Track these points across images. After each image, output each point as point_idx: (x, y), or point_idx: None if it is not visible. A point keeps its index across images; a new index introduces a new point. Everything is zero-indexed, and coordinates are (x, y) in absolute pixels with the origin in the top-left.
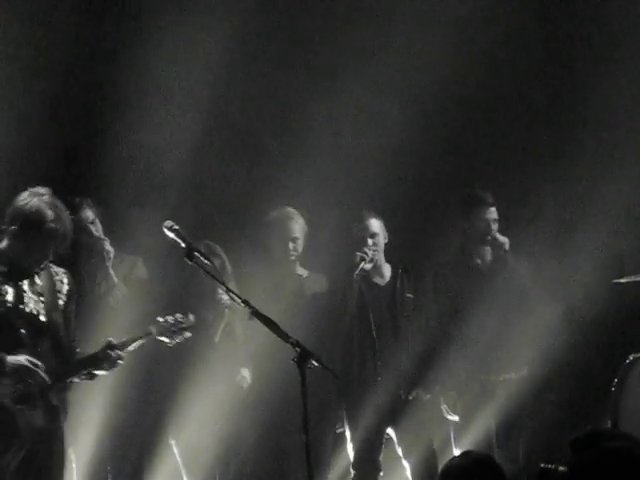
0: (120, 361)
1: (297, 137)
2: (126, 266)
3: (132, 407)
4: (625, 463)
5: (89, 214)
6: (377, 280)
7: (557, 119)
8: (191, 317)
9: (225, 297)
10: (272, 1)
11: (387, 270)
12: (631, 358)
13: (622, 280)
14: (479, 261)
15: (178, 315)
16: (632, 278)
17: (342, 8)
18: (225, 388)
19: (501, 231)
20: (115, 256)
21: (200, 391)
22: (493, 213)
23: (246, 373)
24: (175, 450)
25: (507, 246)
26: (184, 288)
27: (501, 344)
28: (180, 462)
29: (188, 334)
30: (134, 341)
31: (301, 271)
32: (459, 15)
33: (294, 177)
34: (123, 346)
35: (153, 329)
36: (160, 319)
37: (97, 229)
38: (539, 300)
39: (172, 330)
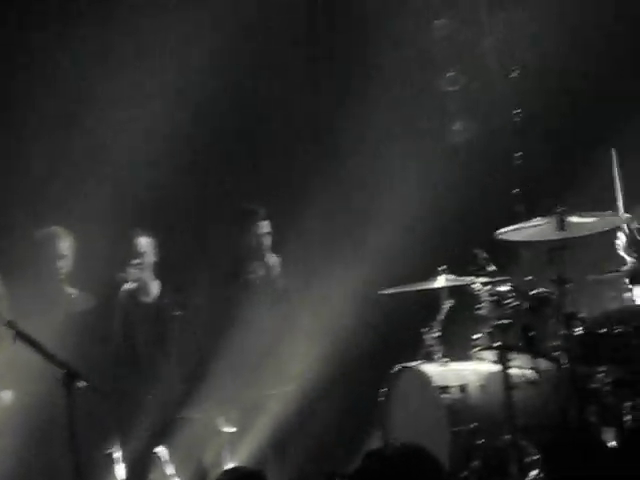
0: None
1: (62, 154)
2: None
3: None
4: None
5: None
6: (144, 299)
7: (321, 135)
8: None
9: None
10: None
11: (155, 288)
12: (398, 368)
13: (387, 291)
14: (252, 276)
15: None
16: (398, 289)
17: None
18: None
19: (273, 245)
20: None
21: None
22: (265, 227)
23: (6, 395)
24: None
25: (277, 268)
26: None
27: (272, 358)
28: None
29: None
30: None
31: (70, 290)
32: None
33: (61, 195)
34: None
35: None
36: None
37: None
38: (308, 314)
39: None
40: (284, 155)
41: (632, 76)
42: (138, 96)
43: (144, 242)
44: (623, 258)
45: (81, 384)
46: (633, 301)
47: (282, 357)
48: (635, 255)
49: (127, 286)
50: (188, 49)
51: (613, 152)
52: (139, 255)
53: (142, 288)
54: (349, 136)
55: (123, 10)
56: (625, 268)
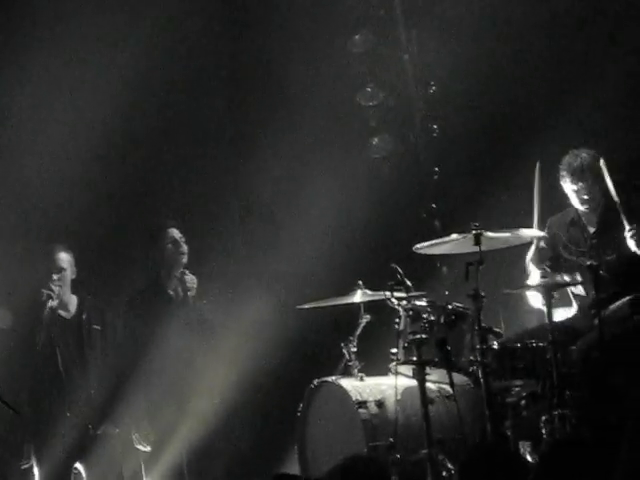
0: None
1: None
2: None
3: None
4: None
5: None
6: (63, 314)
7: (239, 150)
8: None
9: None
10: None
11: (73, 303)
12: (315, 383)
13: (304, 306)
14: (171, 292)
15: None
16: (315, 304)
17: None
18: None
19: (190, 262)
20: None
21: None
22: (182, 244)
23: None
24: None
25: (194, 290)
26: None
27: (192, 373)
28: None
29: None
30: None
31: None
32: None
33: None
34: None
35: None
36: None
37: None
38: (228, 327)
39: None
40: (201, 171)
41: (546, 93)
42: (53, 113)
43: (64, 257)
44: (527, 268)
45: None
46: (550, 315)
47: (199, 373)
48: (546, 267)
49: (51, 303)
50: (102, 67)
51: (537, 165)
52: (59, 270)
53: (62, 304)
54: (267, 151)
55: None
56: (540, 283)
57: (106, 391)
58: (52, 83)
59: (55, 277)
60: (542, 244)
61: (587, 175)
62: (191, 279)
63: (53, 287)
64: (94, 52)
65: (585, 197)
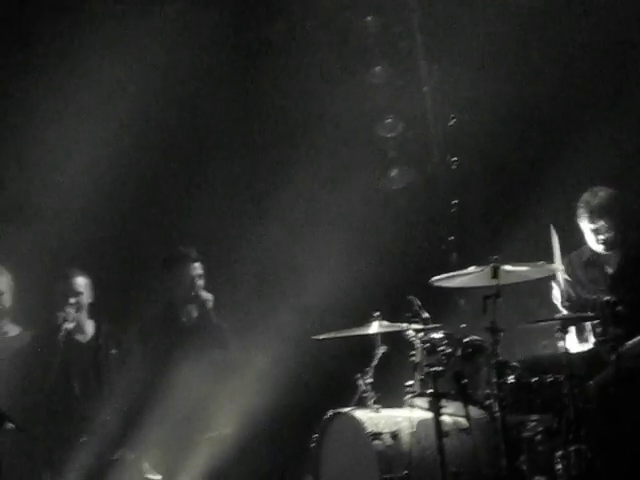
0: None
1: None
2: None
3: None
4: None
5: None
6: (79, 338)
7: (256, 184)
8: None
9: None
10: None
11: (90, 327)
12: (330, 414)
13: (320, 337)
14: (185, 319)
15: None
16: (332, 334)
17: None
18: None
19: (206, 287)
20: None
21: None
22: (197, 269)
23: None
24: None
25: (211, 303)
26: None
27: (206, 402)
28: None
29: None
30: None
31: (8, 327)
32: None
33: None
34: None
35: None
36: None
37: None
38: (243, 357)
39: None
40: (218, 198)
41: (564, 128)
42: (72, 136)
43: (81, 281)
44: (556, 306)
45: (8, 426)
46: (565, 349)
47: (213, 404)
48: (566, 306)
49: (67, 325)
50: (114, 92)
51: (552, 228)
52: (76, 294)
53: (78, 328)
54: (285, 181)
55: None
56: (557, 317)
57: (122, 417)
58: (72, 107)
59: (72, 301)
60: (564, 286)
61: (605, 213)
62: (206, 294)
63: (69, 310)
64: (107, 80)
65: (602, 237)
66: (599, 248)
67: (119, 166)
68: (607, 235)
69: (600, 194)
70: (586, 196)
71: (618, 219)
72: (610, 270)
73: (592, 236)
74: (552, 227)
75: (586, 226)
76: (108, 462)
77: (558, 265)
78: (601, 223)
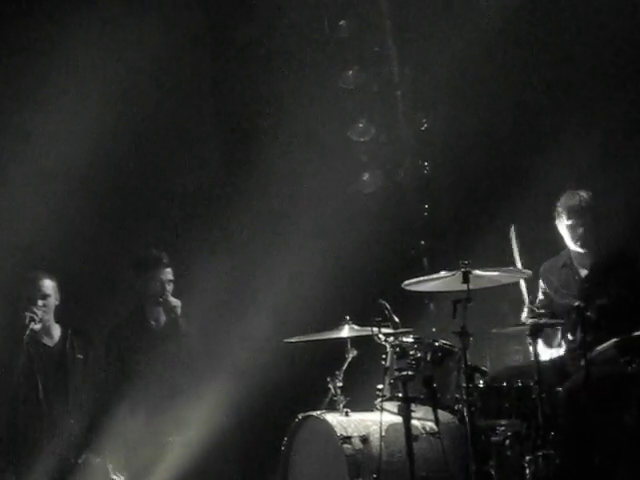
0: None
1: None
2: None
3: None
4: None
5: None
6: (46, 341)
7: (227, 188)
8: None
9: None
10: None
11: (57, 331)
12: (300, 417)
13: (291, 340)
14: (153, 322)
15: None
16: (302, 338)
17: None
18: None
19: (175, 293)
20: None
21: None
22: (168, 274)
23: None
24: None
25: (179, 310)
26: None
27: (171, 405)
28: None
29: None
30: None
31: None
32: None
33: None
34: None
35: None
36: None
37: None
38: (209, 362)
39: None
40: (189, 201)
41: (538, 134)
42: (35, 139)
43: (48, 284)
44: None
45: None
46: (535, 355)
47: (180, 406)
48: (539, 312)
49: (33, 326)
50: (86, 94)
51: (512, 228)
52: (43, 297)
53: (45, 330)
54: (255, 185)
55: None
56: (527, 323)
57: (87, 420)
58: (40, 108)
59: (40, 303)
60: (540, 295)
61: (585, 213)
62: (175, 300)
63: (37, 311)
64: (77, 81)
65: (580, 231)
66: (577, 246)
67: (86, 167)
68: (584, 232)
69: (579, 195)
70: (565, 196)
71: (595, 220)
72: (583, 272)
73: (570, 234)
74: (512, 228)
75: (564, 224)
76: (73, 465)
77: (518, 265)
78: (579, 221)
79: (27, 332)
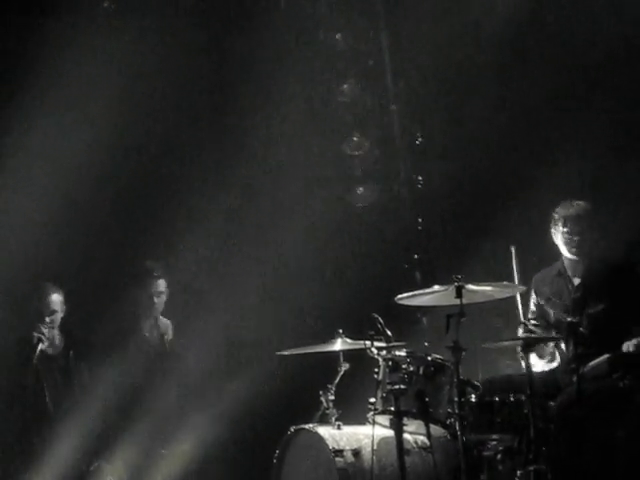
0: None
1: None
2: None
3: None
4: None
5: None
6: (49, 350)
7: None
8: None
9: None
10: None
11: (60, 339)
12: (292, 430)
13: (285, 352)
14: (147, 334)
15: None
16: (295, 351)
17: None
18: None
19: (168, 305)
20: None
21: None
22: (159, 286)
23: None
24: None
25: (170, 331)
26: None
27: (167, 416)
28: None
29: None
30: None
31: None
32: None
33: None
34: None
35: None
36: None
37: None
38: (202, 376)
39: None
40: (187, 213)
41: (533, 146)
42: (37, 153)
43: (56, 299)
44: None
45: None
46: (528, 369)
47: (175, 418)
48: (534, 325)
49: (42, 346)
50: (86, 107)
51: (512, 249)
52: (51, 313)
53: (49, 342)
54: (250, 198)
55: None
56: (520, 336)
57: (98, 428)
58: (41, 119)
59: (47, 320)
60: (531, 307)
61: (581, 221)
62: (165, 323)
63: (44, 330)
64: (77, 93)
65: (576, 239)
66: (571, 253)
67: (86, 181)
68: (580, 240)
69: (576, 204)
70: (562, 206)
71: (591, 228)
72: (576, 281)
73: (565, 241)
74: (513, 249)
75: (559, 231)
76: (84, 472)
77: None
78: (575, 228)
79: (36, 353)
